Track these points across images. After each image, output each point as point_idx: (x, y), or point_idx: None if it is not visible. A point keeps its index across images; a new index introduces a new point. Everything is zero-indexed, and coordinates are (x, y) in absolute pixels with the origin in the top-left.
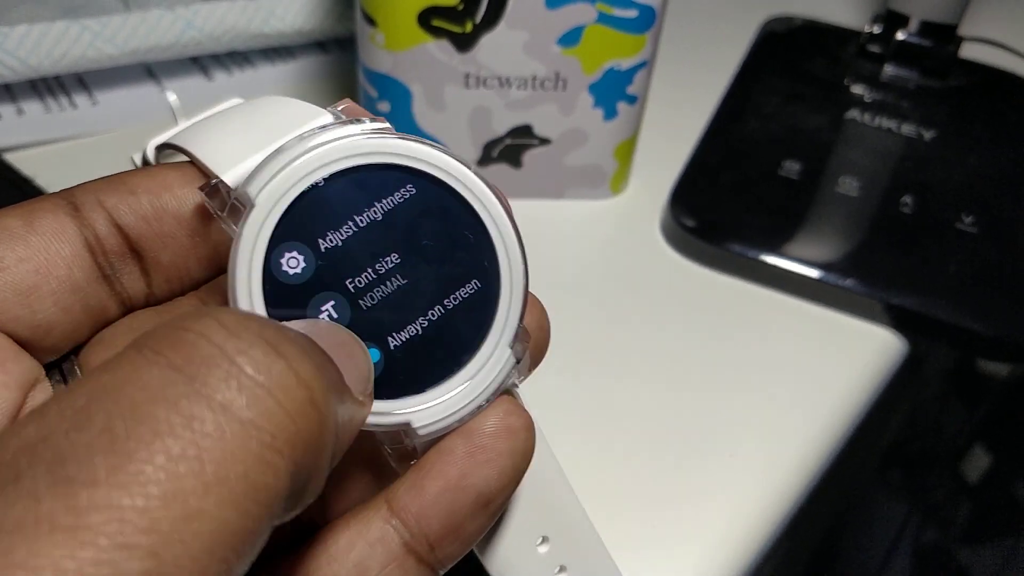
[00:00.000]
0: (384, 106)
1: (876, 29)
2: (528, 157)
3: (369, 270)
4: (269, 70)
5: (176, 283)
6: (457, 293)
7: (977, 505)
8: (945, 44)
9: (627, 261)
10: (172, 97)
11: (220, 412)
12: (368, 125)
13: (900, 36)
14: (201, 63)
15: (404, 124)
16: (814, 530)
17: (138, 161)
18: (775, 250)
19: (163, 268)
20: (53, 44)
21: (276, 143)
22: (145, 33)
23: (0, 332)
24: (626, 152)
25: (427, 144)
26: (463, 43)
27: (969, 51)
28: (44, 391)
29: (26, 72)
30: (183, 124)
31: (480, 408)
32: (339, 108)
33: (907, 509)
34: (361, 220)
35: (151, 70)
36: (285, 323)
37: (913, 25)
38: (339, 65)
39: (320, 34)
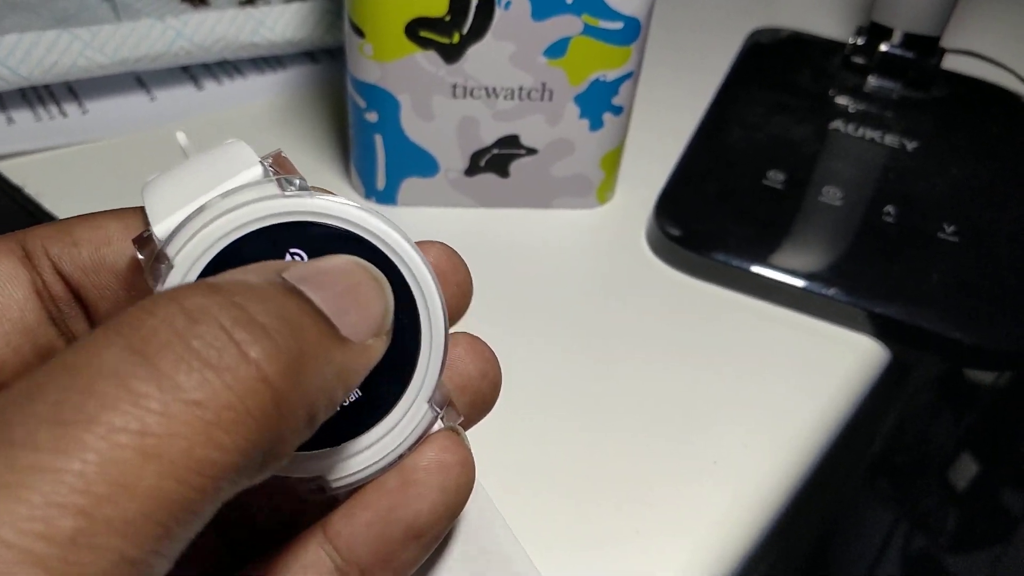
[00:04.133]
0: (372, 116)
1: (860, 41)
2: (515, 167)
3: None
4: (259, 80)
5: None
6: None
7: (965, 512)
8: (928, 56)
9: (613, 270)
10: (182, 136)
11: (167, 391)
12: (292, 182)
13: (884, 48)
14: (191, 72)
15: (393, 134)
16: (802, 538)
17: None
18: (759, 259)
19: (102, 316)
20: (44, 53)
21: (202, 199)
22: (135, 43)
23: None
24: (612, 162)
25: (344, 203)
26: (450, 54)
27: (952, 63)
28: None
29: (16, 81)
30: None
31: (399, 459)
32: (268, 160)
33: (895, 517)
34: None
35: (141, 79)
36: (297, 266)
37: (896, 37)
38: (329, 75)
39: (310, 44)
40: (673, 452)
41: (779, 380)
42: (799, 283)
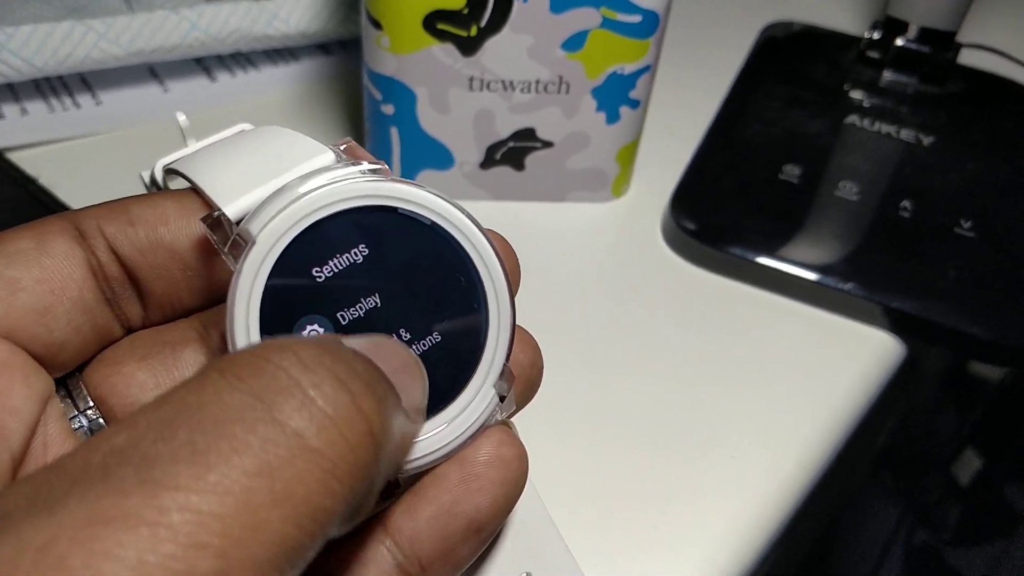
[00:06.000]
0: (389, 108)
1: (875, 35)
2: (531, 160)
3: (359, 305)
4: (272, 72)
5: (168, 310)
6: (445, 333)
7: (968, 507)
8: (944, 50)
9: (628, 263)
10: (182, 117)
11: (292, 437)
12: (367, 167)
13: (899, 42)
14: (204, 64)
15: (409, 126)
16: (809, 532)
17: (146, 179)
18: (775, 253)
19: (156, 297)
20: (58, 44)
21: (279, 180)
22: (149, 34)
23: (20, 349)
24: (628, 155)
25: (423, 188)
26: (468, 47)
27: (967, 57)
28: (55, 406)
29: (30, 72)
30: (192, 147)
31: (464, 444)
32: (341, 147)
33: (900, 511)
34: (356, 258)
35: (154, 71)
36: (351, 338)
37: (912, 32)
38: (342, 67)
39: (323, 36)
40: (689, 445)
41: (795, 374)
42: (815, 277)
